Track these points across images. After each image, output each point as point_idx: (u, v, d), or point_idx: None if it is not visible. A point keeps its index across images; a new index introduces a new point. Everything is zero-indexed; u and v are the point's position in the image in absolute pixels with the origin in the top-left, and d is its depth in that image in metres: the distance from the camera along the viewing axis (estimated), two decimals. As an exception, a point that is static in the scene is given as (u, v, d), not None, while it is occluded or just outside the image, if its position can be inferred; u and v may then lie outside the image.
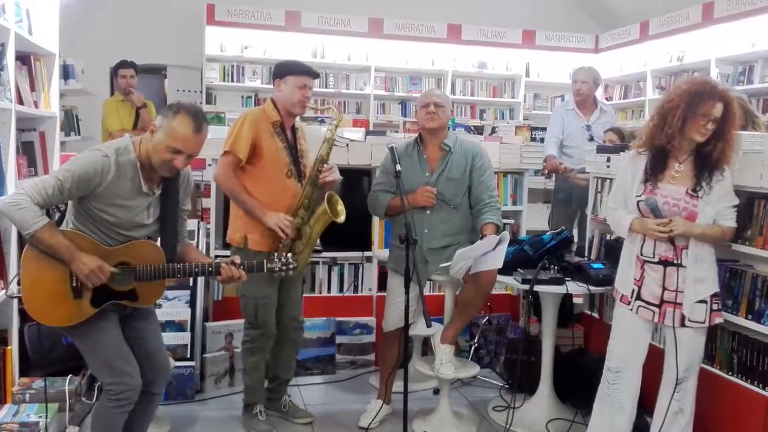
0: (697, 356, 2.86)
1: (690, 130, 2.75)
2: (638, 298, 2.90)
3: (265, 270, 2.75)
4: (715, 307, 2.82)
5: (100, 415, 2.62)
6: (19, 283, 2.48)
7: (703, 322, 2.80)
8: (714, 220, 2.79)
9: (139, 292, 2.59)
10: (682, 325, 2.81)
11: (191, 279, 3.92)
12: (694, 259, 2.78)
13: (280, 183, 3.33)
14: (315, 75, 3.43)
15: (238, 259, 2.68)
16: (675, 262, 2.80)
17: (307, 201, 3.33)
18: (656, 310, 2.85)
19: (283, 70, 3.40)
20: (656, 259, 2.85)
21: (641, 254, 2.89)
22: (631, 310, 2.92)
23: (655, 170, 2.87)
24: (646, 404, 3.04)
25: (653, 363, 2.97)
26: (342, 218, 3.35)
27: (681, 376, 2.83)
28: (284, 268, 2.76)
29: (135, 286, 2.57)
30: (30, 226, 2.38)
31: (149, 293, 2.64)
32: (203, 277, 3.99)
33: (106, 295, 2.53)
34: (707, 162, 2.79)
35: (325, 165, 3.32)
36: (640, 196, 2.87)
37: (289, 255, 2.81)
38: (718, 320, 2.85)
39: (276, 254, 2.83)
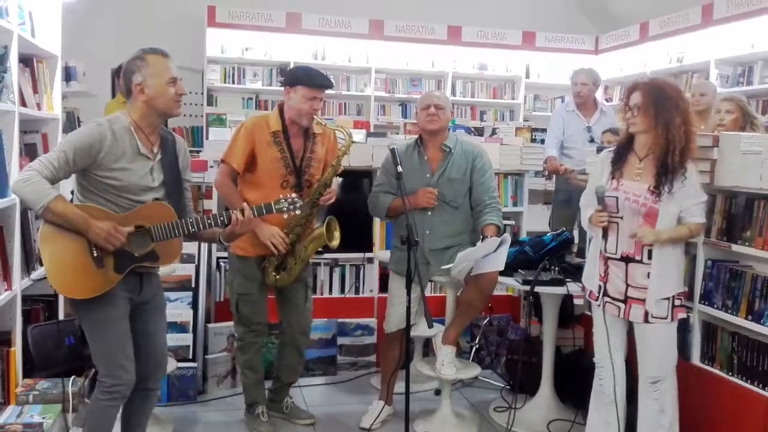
0: (669, 354, 2.89)
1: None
2: (605, 294, 2.95)
3: (274, 211, 2.79)
4: (677, 303, 2.86)
5: (93, 410, 2.65)
6: (40, 263, 2.48)
7: (666, 318, 2.83)
8: (680, 217, 2.82)
9: (158, 252, 2.61)
10: (646, 321, 2.85)
11: (194, 280, 3.93)
12: (658, 257, 2.81)
13: (274, 194, 3.27)
14: (327, 86, 3.35)
15: (247, 208, 2.72)
16: (636, 258, 2.84)
17: (304, 220, 3.35)
18: (621, 306, 2.90)
19: (294, 79, 3.32)
20: (618, 256, 2.89)
21: (605, 251, 2.93)
22: (599, 306, 2.97)
23: (617, 163, 2.93)
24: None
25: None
26: (336, 243, 3.39)
27: (656, 374, 2.86)
28: (291, 207, 2.81)
29: (153, 246, 2.59)
30: (42, 198, 2.38)
31: (168, 252, 2.66)
32: (207, 277, 4.03)
33: (128, 259, 2.55)
34: (665, 159, 2.79)
35: (327, 189, 3.35)
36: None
37: (294, 195, 2.84)
38: (681, 315, 2.89)
39: (282, 195, 2.83)
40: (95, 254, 2.50)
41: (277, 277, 3.40)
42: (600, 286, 2.95)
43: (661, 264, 2.82)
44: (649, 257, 2.83)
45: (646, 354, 2.89)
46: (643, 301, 2.84)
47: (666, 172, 2.79)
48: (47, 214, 2.43)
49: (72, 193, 2.56)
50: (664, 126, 2.76)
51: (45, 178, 2.41)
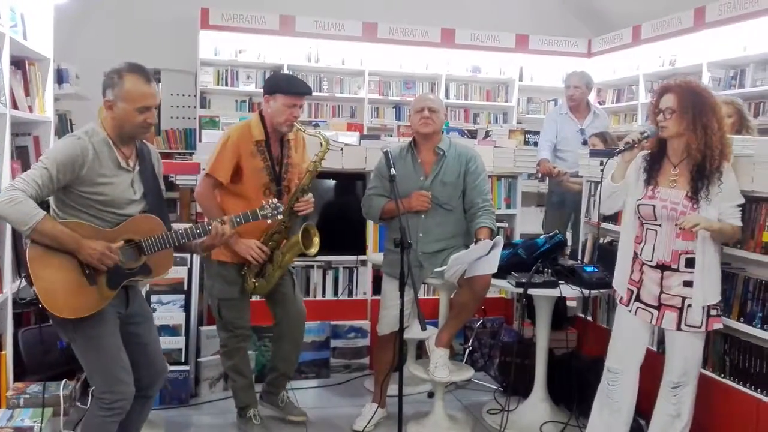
0: (694, 362, 2.86)
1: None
2: (637, 299, 2.92)
3: (259, 217, 2.79)
4: (713, 312, 2.81)
5: (92, 425, 2.56)
6: (31, 285, 2.41)
7: (700, 327, 2.80)
8: (718, 220, 2.77)
9: (151, 265, 2.59)
10: (678, 328, 2.82)
11: (186, 283, 3.92)
12: (701, 264, 2.76)
13: (257, 202, 3.25)
14: (306, 93, 3.37)
15: (226, 218, 2.72)
16: (672, 267, 2.81)
17: (283, 227, 3.36)
18: (655, 312, 2.87)
19: (273, 87, 3.34)
20: (654, 263, 2.86)
21: (640, 255, 2.91)
22: (630, 311, 2.94)
23: (650, 171, 2.90)
24: (641, 408, 3.06)
25: (651, 367, 2.99)
26: (314, 251, 3.40)
27: (678, 380, 2.85)
28: (275, 212, 2.82)
29: (145, 259, 2.56)
30: (29, 219, 2.31)
31: (161, 263, 2.64)
32: (199, 280, 4.01)
33: (121, 275, 2.52)
34: (704, 164, 2.76)
35: (304, 195, 3.35)
36: (641, 199, 2.89)
37: (275, 201, 2.85)
38: (717, 326, 2.84)
39: (264, 201, 2.84)
40: (87, 272, 2.44)
41: (257, 284, 3.41)
42: (633, 291, 2.94)
43: (704, 272, 2.76)
44: (686, 265, 2.79)
45: (672, 359, 2.87)
46: (678, 308, 2.80)
47: (702, 177, 2.75)
48: (35, 235, 2.35)
49: (48, 208, 2.48)
50: (702, 130, 2.71)
51: (30, 197, 2.32)
